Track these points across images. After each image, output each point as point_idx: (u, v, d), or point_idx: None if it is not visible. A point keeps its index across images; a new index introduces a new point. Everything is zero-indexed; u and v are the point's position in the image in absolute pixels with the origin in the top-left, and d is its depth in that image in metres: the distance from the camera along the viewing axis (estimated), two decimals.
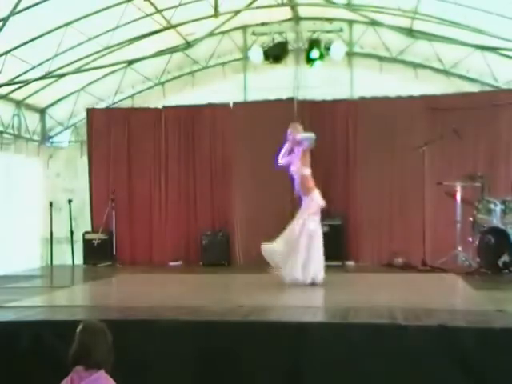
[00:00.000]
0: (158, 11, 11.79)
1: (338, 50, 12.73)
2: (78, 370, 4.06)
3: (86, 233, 13.80)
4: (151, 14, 11.91)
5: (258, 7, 12.40)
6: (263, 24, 12.95)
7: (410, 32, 12.91)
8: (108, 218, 13.48)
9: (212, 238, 13.36)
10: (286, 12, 13.22)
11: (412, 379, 5.48)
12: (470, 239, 11.30)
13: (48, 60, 11.81)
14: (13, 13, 9.26)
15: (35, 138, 14.43)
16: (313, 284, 8.88)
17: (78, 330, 4.21)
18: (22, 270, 12.50)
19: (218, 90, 13.95)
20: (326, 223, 12.75)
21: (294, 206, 13.25)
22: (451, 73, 13.44)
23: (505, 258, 10.27)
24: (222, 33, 13.65)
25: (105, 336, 4.20)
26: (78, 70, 12.49)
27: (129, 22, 11.80)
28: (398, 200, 13.19)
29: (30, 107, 14.04)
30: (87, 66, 12.51)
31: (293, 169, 9.50)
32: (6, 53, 11.04)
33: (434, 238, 12.57)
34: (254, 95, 13.90)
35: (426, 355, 5.47)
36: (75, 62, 12.31)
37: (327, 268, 9.33)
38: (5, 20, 9.33)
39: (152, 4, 11.47)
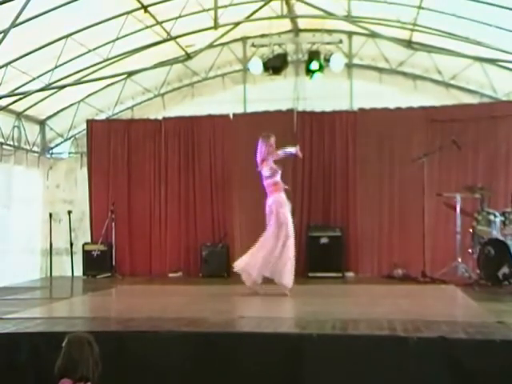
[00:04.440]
0: (158, 23, 11.83)
1: (338, 61, 12.76)
2: (64, 383, 4.06)
3: (86, 244, 13.79)
4: (151, 26, 11.96)
5: (257, 19, 12.44)
6: (263, 36, 12.99)
7: (409, 44, 12.94)
8: (108, 230, 13.47)
9: (212, 249, 13.34)
10: (286, 24, 13.26)
11: None
12: (470, 251, 11.28)
13: (48, 72, 11.85)
14: (13, 25, 9.28)
15: (35, 149, 14.45)
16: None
17: (63, 343, 4.20)
18: (22, 282, 12.48)
19: (218, 102, 13.97)
20: (325, 235, 12.82)
21: (293, 216, 13.31)
22: (450, 84, 13.47)
23: (505, 269, 10.24)
24: (222, 44, 13.68)
25: (91, 348, 4.19)
26: (77, 82, 12.51)
27: (129, 34, 11.84)
28: (398, 211, 13.19)
29: (30, 118, 14.06)
30: (87, 78, 12.54)
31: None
32: (6, 64, 11.07)
33: (433, 250, 12.58)
34: (253, 106, 13.90)
35: (426, 367, 5.46)
36: (75, 73, 12.34)
37: (327, 279, 9.39)
38: (5, 32, 9.35)
39: (152, 16, 11.52)
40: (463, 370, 5.42)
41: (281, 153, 9.70)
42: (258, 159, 9.70)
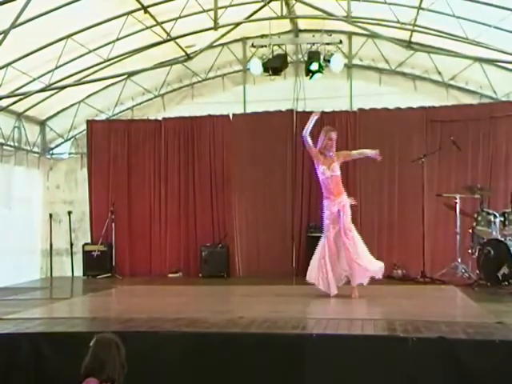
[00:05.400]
0: (158, 23, 11.84)
1: (338, 62, 12.72)
2: (90, 383, 4.07)
3: (86, 244, 13.81)
4: (151, 27, 11.96)
5: (257, 19, 12.45)
6: (263, 36, 12.98)
7: (408, 44, 12.93)
8: (108, 230, 13.50)
9: (212, 249, 13.35)
10: (286, 24, 13.27)
11: None
12: (470, 251, 11.29)
13: (48, 72, 11.85)
14: (14, 25, 9.29)
15: (35, 149, 14.45)
16: None
17: (91, 342, 4.22)
18: (22, 282, 12.49)
19: (218, 102, 13.98)
20: None
21: (293, 216, 13.37)
22: (450, 85, 13.48)
23: (504, 269, 10.23)
24: (222, 45, 13.70)
25: (118, 350, 4.21)
26: (78, 82, 12.52)
27: (129, 35, 11.85)
28: (398, 211, 13.19)
29: (30, 119, 14.07)
30: (87, 78, 12.54)
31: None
32: (6, 65, 11.07)
33: (433, 250, 12.59)
34: (253, 107, 13.93)
35: (426, 367, 5.47)
36: (75, 74, 12.34)
37: None
38: (6, 32, 9.36)
39: (152, 16, 11.52)
40: (463, 370, 5.43)
41: (354, 153, 10.01)
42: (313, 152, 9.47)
